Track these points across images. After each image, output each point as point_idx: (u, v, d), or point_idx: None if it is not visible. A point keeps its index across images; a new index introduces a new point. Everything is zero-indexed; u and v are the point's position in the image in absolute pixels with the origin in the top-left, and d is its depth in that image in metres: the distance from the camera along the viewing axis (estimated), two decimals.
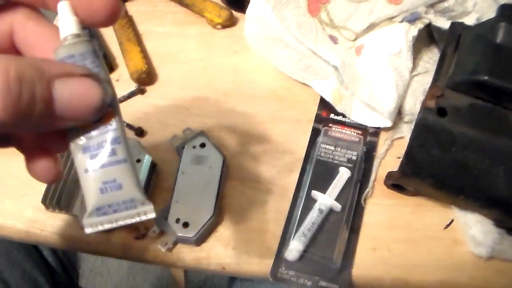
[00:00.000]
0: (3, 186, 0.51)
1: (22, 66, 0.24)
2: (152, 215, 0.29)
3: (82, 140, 0.28)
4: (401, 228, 0.47)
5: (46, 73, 0.25)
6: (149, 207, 0.29)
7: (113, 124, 0.28)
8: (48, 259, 0.70)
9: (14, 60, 0.24)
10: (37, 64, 0.25)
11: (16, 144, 0.33)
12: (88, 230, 0.28)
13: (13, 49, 0.31)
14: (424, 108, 0.44)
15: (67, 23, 0.28)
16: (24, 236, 0.49)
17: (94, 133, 0.28)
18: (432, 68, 0.54)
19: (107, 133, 0.28)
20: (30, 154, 0.33)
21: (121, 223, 0.28)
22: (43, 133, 0.31)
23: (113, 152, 0.28)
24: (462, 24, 0.50)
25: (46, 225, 0.49)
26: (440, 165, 0.44)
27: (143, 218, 0.29)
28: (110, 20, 0.29)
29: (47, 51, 0.29)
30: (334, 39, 0.55)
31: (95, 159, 0.28)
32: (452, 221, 0.48)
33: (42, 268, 0.68)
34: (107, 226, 0.28)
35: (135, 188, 0.28)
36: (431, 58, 0.56)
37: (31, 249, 0.68)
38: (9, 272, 0.63)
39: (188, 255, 0.46)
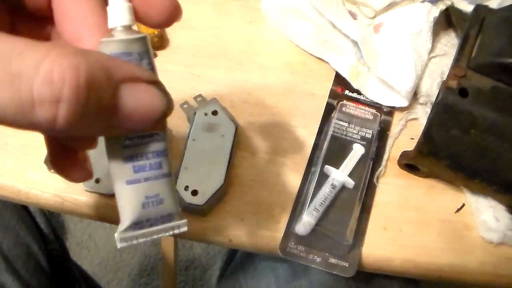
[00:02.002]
0: (3, 144, 0.49)
1: (92, 67, 0.21)
2: (185, 229, 0.28)
3: (124, 147, 0.26)
4: (413, 209, 0.47)
5: (114, 77, 0.22)
6: (184, 221, 0.28)
7: (161, 134, 0.26)
8: (41, 226, 0.69)
9: (83, 57, 0.21)
10: (105, 65, 0.22)
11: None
12: (121, 245, 0.26)
13: (48, 11, 0.27)
14: (446, 87, 0.43)
15: (119, 10, 0.25)
16: (24, 197, 0.47)
17: (139, 141, 0.26)
18: (450, 51, 0.54)
19: (154, 143, 0.26)
20: (54, 147, 0.29)
21: (155, 236, 0.27)
22: None
23: (159, 165, 0.26)
24: (486, 6, 0.49)
25: (48, 186, 0.47)
26: (458, 146, 0.43)
27: (176, 232, 0.28)
28: (167, 23, 0.26)
29: (79, 26, 0.26)
30: (353, 15, 0.53)
31: (140, 172, 0.26)
32: (463, 205, 0.47)
33: (35, 234, 0.66)
34: (141, 240, 0.27)
35: (174, 203, 0.27)
36: (448, 41, 0.55)
37: (24, 215, 0.66)
38: (2, 235, 0.61)
39: (194, 225, 0.45)
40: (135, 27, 0.26)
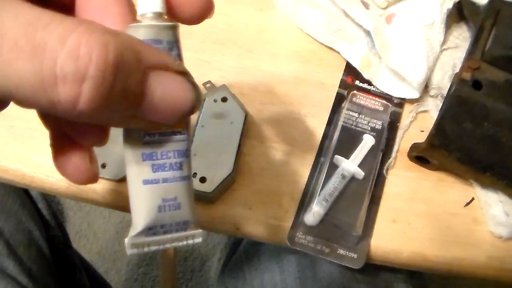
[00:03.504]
0: (8, 127, 0.48)
1: (121, 46, 0.19)
2: (199, 240, 0.26)
3: (144, 144, 0.24)
4: (422, 202, 0.46)
5: (144, 61, 0.21)
6: (199, 231, 0.26)
7: (184, 133, 0.24)
8: (43, 212, 0.68)
9: (112, 36, 0.19)
10: (135, 47, 0.21)
11: (43, 118, 0.28)
12: (131, 251, 0.24)
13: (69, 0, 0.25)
14: (459, 79, 0.42)
15: None
16: (29, 181, 0.47)
17: (159, 138, 0.24)
18: (462, 44, 0.53)
19: (176, 142, 0.24)
20: (58, 141, 0.27)
21: (168, 245, 0.25)
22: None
23: (180, 166, 0.24)
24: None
25: (53, 171, 0.46)
26: (470, 139, 0.43)
27: (190, 242, 0.26)
28: (199, 18, 0.25)
29: (102, 14, 0.24)
30: (365, 5, 0.53)
31: (159, 171, 0.24)
32: (472, 199, 0.47)
33: (37, 220, 0.65)
34: (153, 248, 0.25)
35: (191, 210, 0.25)
36: (460, 34, 0.55)
37: (26, 201, 0.66)
38: (4, 221, 0.60)
39: (202, 212, 0.44)
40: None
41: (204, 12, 0.25)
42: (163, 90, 0.21)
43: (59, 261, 0.67)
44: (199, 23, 0.25)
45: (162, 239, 0.25)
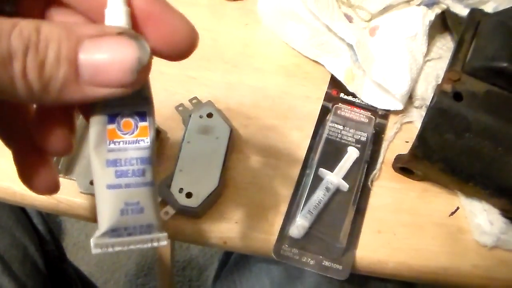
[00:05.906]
0: None
1: (51, 26, 0.22)
2: (164, 243, 0.27)
3: (109, 151, 0.25)
4: (407, 212, 0.47)
5: (76, 33, 0.22)
6: (163, 234, 0.27)
7: (146, 141, 0.26)
8: (38, 227, 0.69)
9: (44, 22, 0.22)
10: (68, 26, 0.23)
11: (5, 137, 0.30)
12: (96, 251, 0.26)
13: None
14: (440, 91, 0.43)
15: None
16: (19, 199, 0.47)
17: (123, 145, 0.26)
18: (445, 54, 0.54)
19: (139, 150, 0.26)
20: (22, 155, 0.29)
21: (132, 247, 0.26)
22: (45, 123, 0.27)
23: (142, 173, 0.26)
24: (481, 10, 0.50)
25: None
26: (452, 149, 0.43)
27: (155, 245, 0.27)
28: (186, 53, 0.26)
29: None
30: (349, 18, 0.54)
31: (122, 177, 0.25)
32: (457, 208, 0.47)
33: (32, 235, 0.66)
34: (117, 249, 0.26)
35: (155, 214, 0.27)
36: (444, 44, 0.55)
37: (21, 216, 0.66)
38: None
39: (189, 227, 0.45)
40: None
41: (189, 49, 0.26)
42: (98, 51, 0.22)
43: (54, 276, 0.68)
44: (184, 59, 0.26)
45: (126, 241, 0.26)
